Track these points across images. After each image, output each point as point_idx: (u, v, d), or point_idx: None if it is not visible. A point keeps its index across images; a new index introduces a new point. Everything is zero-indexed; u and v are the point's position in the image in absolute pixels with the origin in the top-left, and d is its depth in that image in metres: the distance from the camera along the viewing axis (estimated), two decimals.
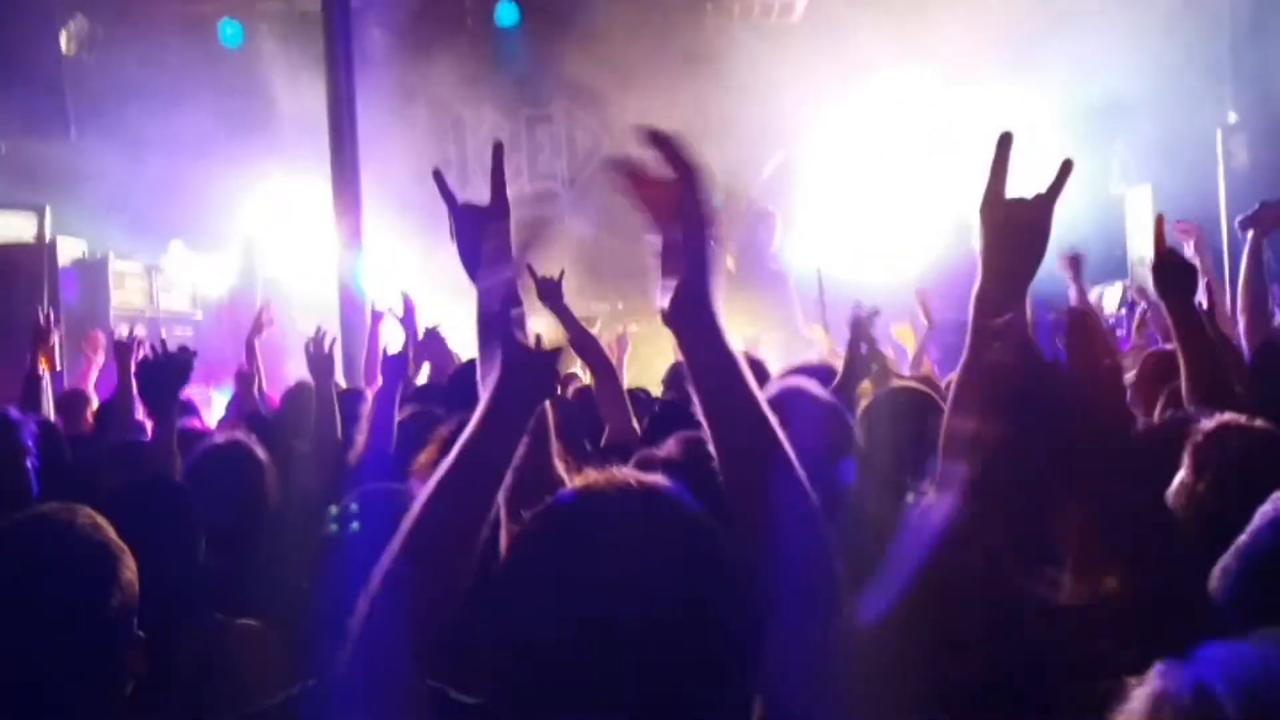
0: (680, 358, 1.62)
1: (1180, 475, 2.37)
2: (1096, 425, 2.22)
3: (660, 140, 1.62)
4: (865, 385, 4.44)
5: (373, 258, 9.33)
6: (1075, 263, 6.85)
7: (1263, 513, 1.90)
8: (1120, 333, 8.59)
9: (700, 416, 1.57)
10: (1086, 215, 12.01)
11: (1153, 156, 10.85)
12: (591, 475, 1.39)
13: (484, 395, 1.62)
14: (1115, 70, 11.00)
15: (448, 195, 2.03)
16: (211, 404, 8.29)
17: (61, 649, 1.87)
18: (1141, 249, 10.28)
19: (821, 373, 4.26)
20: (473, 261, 1.98)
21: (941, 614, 1.84)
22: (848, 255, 11.64)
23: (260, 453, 3.82)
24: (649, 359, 8.19)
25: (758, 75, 11.33)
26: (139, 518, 2.40)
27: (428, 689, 1.62)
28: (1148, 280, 4.32)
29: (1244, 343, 4.69)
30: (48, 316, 5.78)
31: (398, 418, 4.09)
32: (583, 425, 4.29)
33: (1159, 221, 3.56)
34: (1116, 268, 11.02)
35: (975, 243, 2.07)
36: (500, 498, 1.57)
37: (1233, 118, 9.16)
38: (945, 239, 10.89)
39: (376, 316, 7.13)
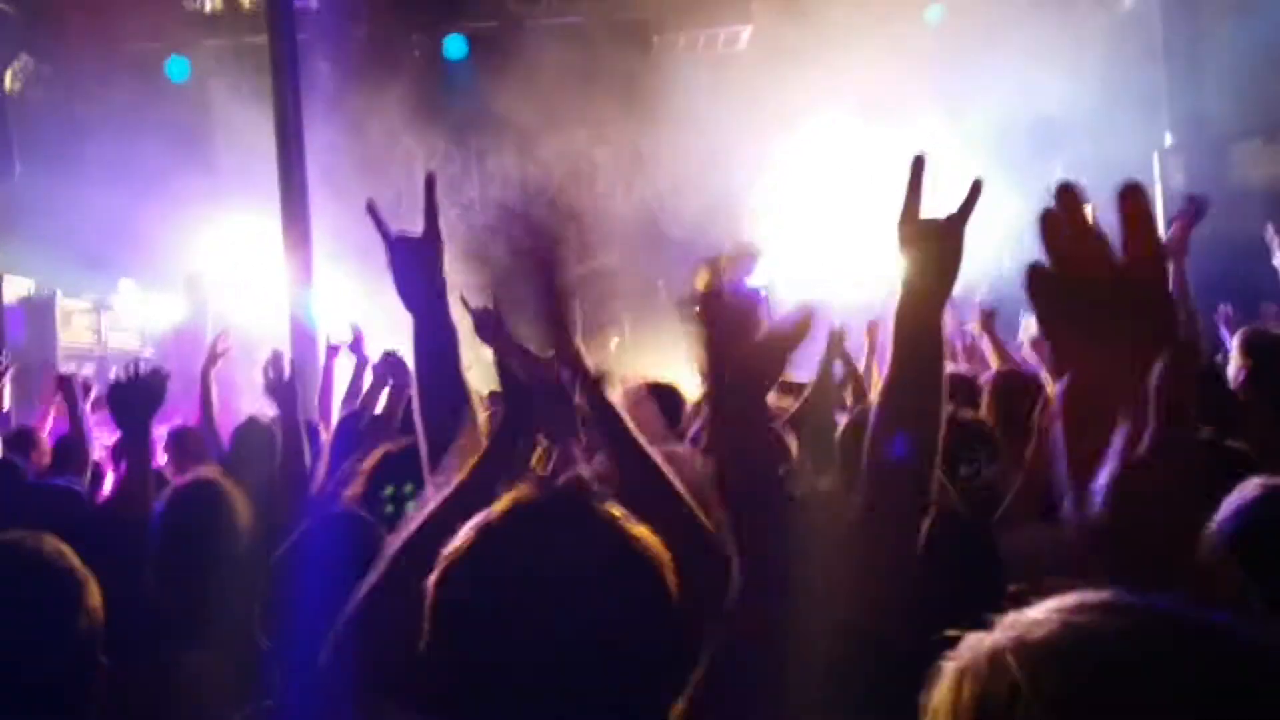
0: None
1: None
2: None
3: (534, 207, 1.70)
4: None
5: (323, 292, 9.32)
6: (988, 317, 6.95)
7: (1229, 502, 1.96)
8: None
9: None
10: (1028, 239, 12.25)
11: (1091, 179, 11.04)
12: (523, 487, 1.41)
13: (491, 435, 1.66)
14: (1053, 95, 11.23)
15: (382, 227, 2.07)
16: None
17: (29, 672, 1.88)
18: None
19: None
20: (408, 291, 2.02)
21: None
22: (807, 278, 11.74)
23: (232, 490, 3.81)
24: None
25: (703, 105, 11.45)
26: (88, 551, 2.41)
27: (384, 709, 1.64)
28: None
29: None
30: None
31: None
32: None
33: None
34: None
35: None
36: None
37: (1168, 140, 9.37)
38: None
39: (331, 351, 7.07)
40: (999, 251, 12.65)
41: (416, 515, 1.58)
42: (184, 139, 11.98)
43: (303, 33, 10.12)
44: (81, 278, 11.24)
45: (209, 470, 4.02)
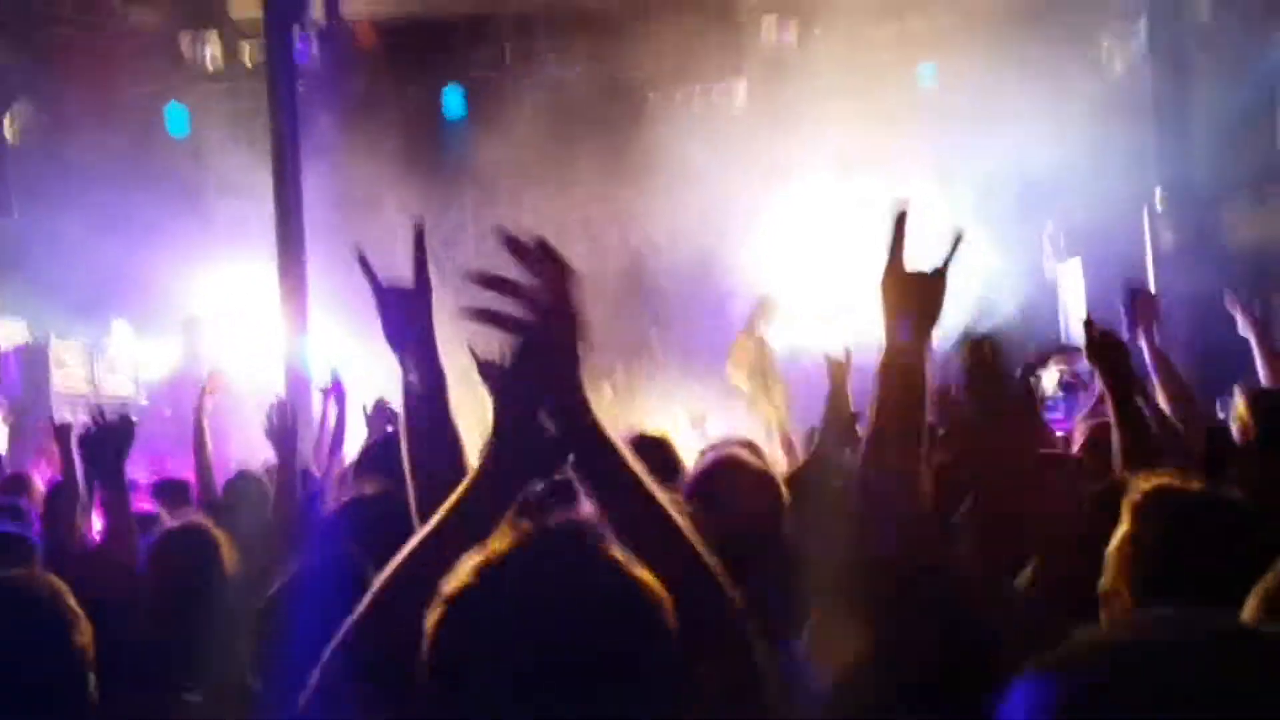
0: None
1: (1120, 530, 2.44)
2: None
3: (521, 248, 1.67)
4: None
5: (318, 341, 9.35)
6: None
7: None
8: (1058, 415, 8.74)
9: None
10: (1021, 297, 12.34)
11: (1082, 237, 11.16)
12: (522, 525, 1.41)
13: (479, 461, 1.67)
14: (1044, 155, 11.35)
15: (371, 276, 2.10)
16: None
17: (17, 708, 1.89)
18: (1075, 329, 10.53)
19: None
20: (397, 339, 2.05)
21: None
22: (807, 327, 11.77)
23: (219, 536, 3.81)
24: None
25: (697, 159, 11.55)
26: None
27: None
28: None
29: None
30: None
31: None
32: None
33: (1087, 323, 3.74)
34: (1053, 344, 11.25)
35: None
36: None
37: (1159, 197, 9.47)
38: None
39: (328, 397, 7.04)
40: (984, 308, 12.75)
41: (404, 546, 1.58)
42: (181, 186, 12.05)
43: (301, 84, 10.23)
44: (75, 321, 11.26)
45: (197, 516, 4.04)
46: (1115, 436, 3.49)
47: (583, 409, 1.64)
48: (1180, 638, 0.94)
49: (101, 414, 4.13)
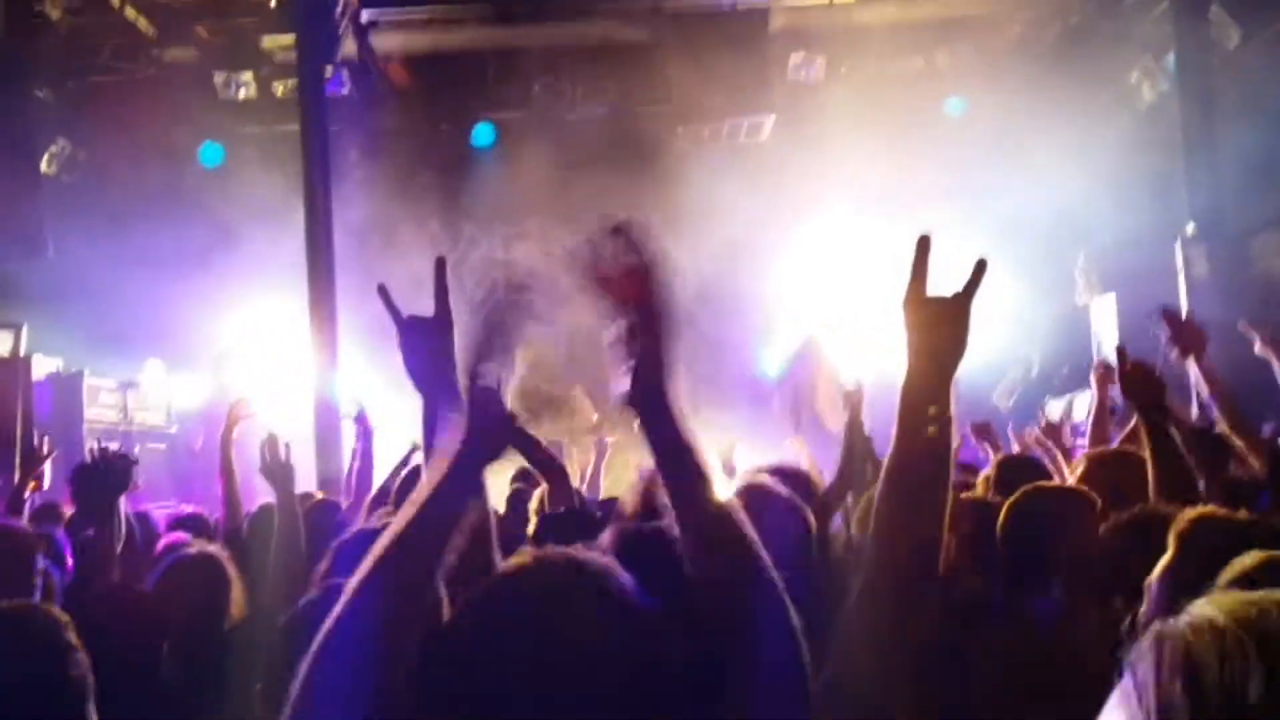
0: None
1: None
2: None
3: (620, 231, 1.73)
4: None
5: (349, 374, 9.40)
6: (985, 430, 7.08)
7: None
8: (1082, 441, 8.67)
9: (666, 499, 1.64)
10: (1053, 326, 12.29)
11: (1115, 268, 11.11)
12: (524, 554, 1.41)
13: (440, 458, 1.66)
14: (1075, 186, 11.32)
15: (393, 310, 2.12)
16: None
17: None
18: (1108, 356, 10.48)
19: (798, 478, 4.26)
20: (418, 372, 2.07)
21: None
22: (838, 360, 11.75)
23: (228, 567, 3.81)
24: (625, 469, 8.24)
25: (726, 193, 11.58)
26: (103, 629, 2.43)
27: None
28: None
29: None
30: (43, 439, 5.83)
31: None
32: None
33: (1120, 351, 3.79)
34: (1084, 377, 11.18)
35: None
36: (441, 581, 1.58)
37: (1190, 229, 9.41)
38: None
39: (366, 433, 6.95)
40: (1020, 341, 12.70)
41: (376, 546, 1.58)
42: (215, 223, 12.19)
43: (334, 121, 10.34)
44: (109, 357, 11.37)
45: (210, 547, 4.04)
46: (1150, 467, 3.50)
47: (665, 393, 1.65)
48: None
49: (104, 450, 4.10)
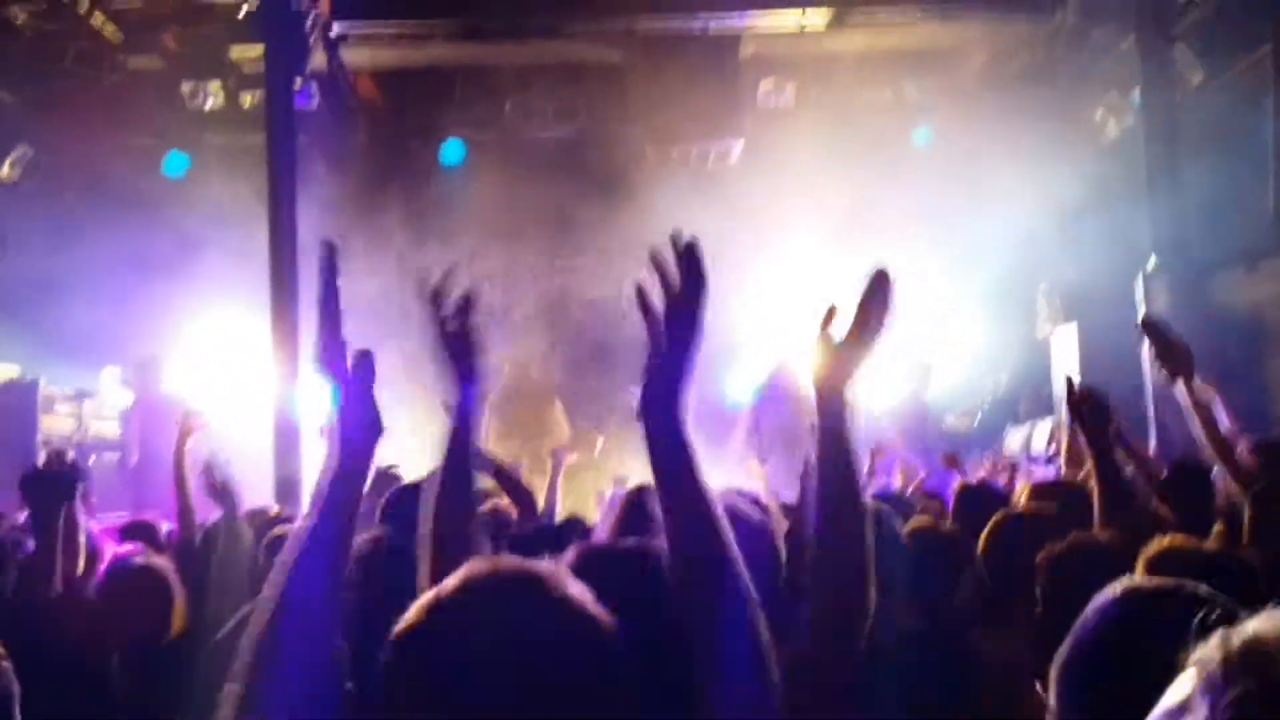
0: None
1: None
2: None
3: (689, 249, 1.88)
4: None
5: (311, 386, 9.32)
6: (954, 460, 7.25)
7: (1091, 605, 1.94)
8: (1049, 470, 8.75)
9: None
10: (1015, 355, 12.39)
11: (1077, 300, 11.21)
12: (476, 563, 1.40)
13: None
14: (1038, 218, 11.43)
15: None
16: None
17: None
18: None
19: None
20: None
21: None
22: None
23: (171, 579, 3.76)
24: (582, 491, 8.26)
25: (694, 216, 11.58)
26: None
27: None
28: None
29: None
30: None
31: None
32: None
33: (1069, 380, 3.85)
34: (1045, 405, 11.27)
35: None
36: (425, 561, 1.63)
37: (1152, 262, 9.52)
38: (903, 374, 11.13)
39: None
40: (983, 371, 12.77)
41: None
42: (178, 232, 12.07)
43: (301, 133, 10.28)
44: (66, 366, 11.23)
45: (155, 558, 3.98)
46: (1095, 495, 3.53)
47: (680, 408, 1.75)
48: None
49: (58, 458, 4.06)
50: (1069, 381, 3.85)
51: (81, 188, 11.95)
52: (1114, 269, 10.32)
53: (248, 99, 11.51)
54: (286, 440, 8.80)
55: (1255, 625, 0.96)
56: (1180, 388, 4.46)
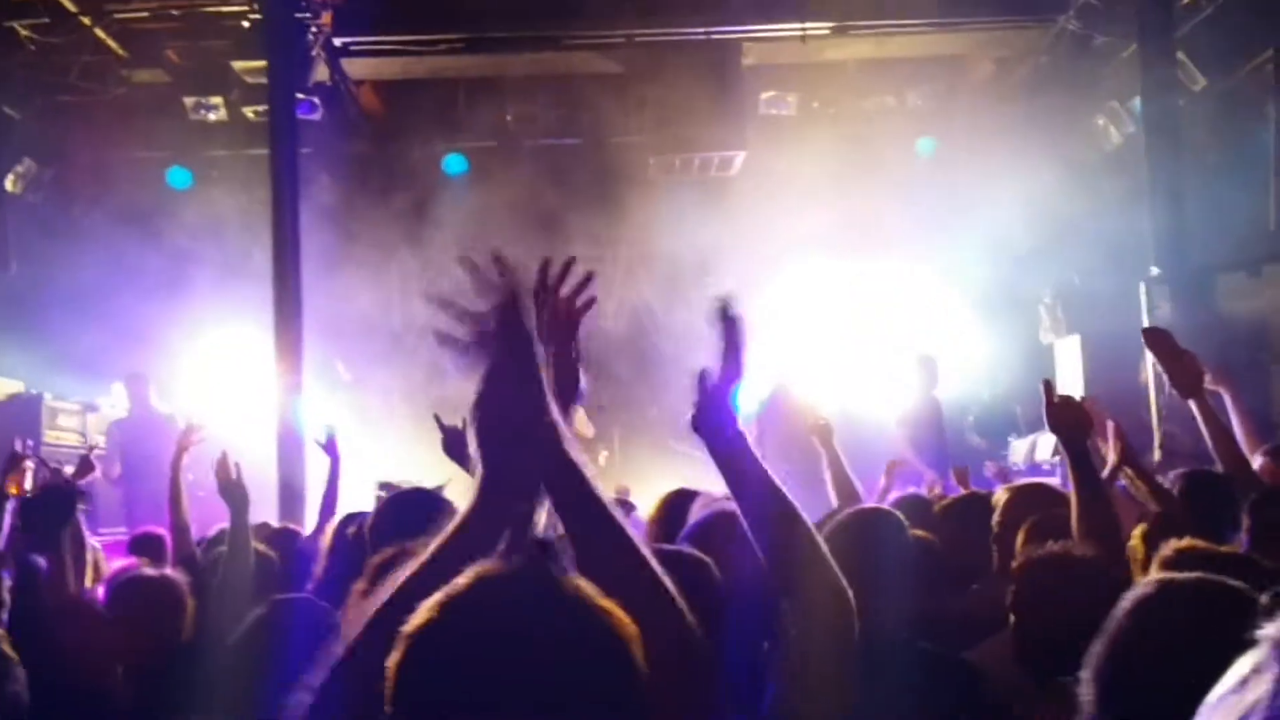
0: None
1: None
2: None
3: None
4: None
5: (313, 398, 9.33)
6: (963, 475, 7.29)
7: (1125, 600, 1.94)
8: (1054, 480, 8.72)
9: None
10: (1019, 365, 12.36)
11: (1081, 308, 11.20)
12: (487, 564, 1.39)
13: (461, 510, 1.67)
14: (1042, 226, 11.43)
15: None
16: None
17: None
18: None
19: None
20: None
21: None
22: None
23: (182, 590, 3.77)
24: None
25: (697, 226, 11.61)
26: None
27: None
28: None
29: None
30: (24, 444, 5.77)
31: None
32: None
33: (1045, 384, 3.83)
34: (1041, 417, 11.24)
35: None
36: None
37: (1155, 270, 9.51)
38: (912, 380, 11.09)
39: (334, 459, 6.85)
40: (985, 379, 12.76)
41: (384, 591, 1.57)
42: (182, 246, 12.10)
43: (304, 145, 10.30)
44: (73, 381, 11.26)
45: (166, 569, 3.99)
46: (1073, 503, 3.50)
47: (552, 437, 1.66)
48: None
49: (59, 478, 4.09)
50: (1045, 387, 3.78)
51: (86, 201, 11.98)
52: (1117, 276, 10.31)
53: (251, 112, 11.53)
54: (290, 453, 8.80)
55: None
56: (1194, 405, 4.47)
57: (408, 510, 4.03)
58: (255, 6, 10.49)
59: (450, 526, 1.65)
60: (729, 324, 2.18)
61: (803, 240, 12.23)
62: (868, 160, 12.34)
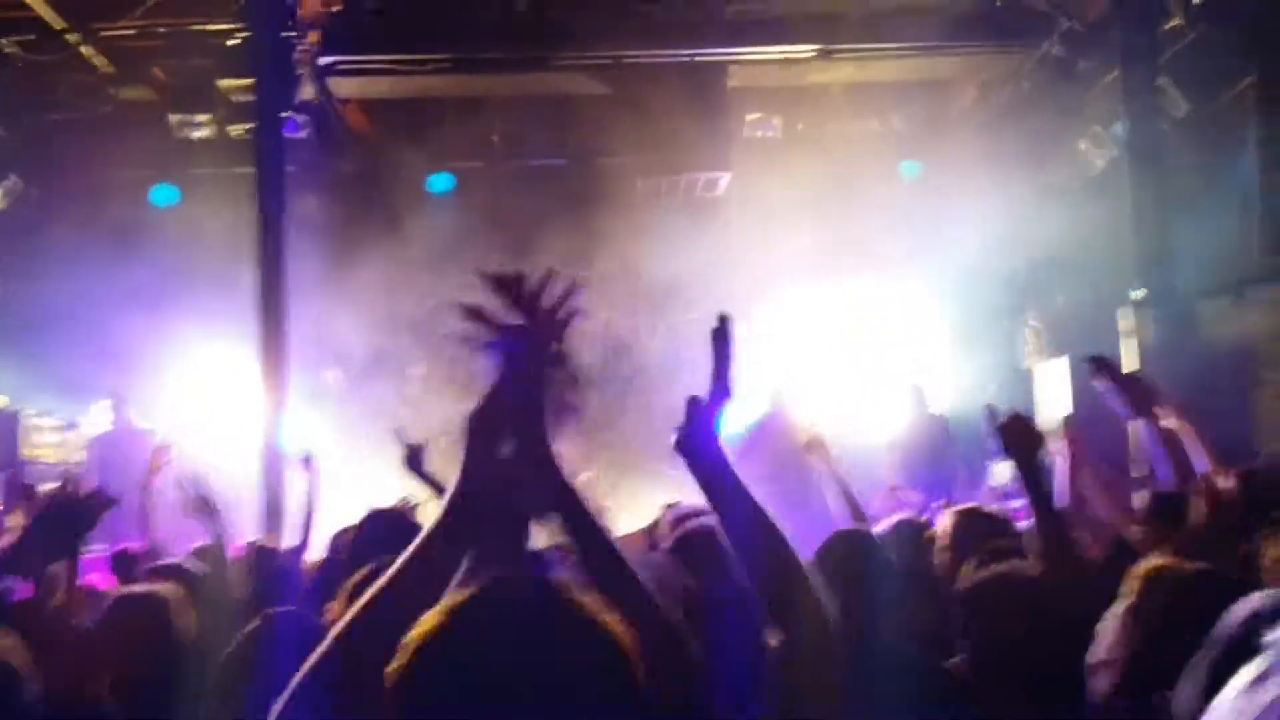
0: None
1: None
2: None
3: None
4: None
5: (297, 418, 9.30)
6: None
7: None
8: (1017, 503, 8.74)
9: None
10: (1001, 388, 12.41)
11: (1062, 331, 11.25)
12: (490, 574, 1.40)
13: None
14: (1026, 249, 11.49)
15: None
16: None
17: None
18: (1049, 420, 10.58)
19: None
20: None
21: None
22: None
23: (178, 605, 3.75)
24: None
25: (682, 247, 11.64)
26: None
27: None
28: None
29: None
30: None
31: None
32: None
33: (989, 406, 3.81)
34: None
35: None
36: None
37: (1138, 294, 9.56)
38: (905, 402, 11.11)
39: (312, 476, 6.83)
40: (967, 401, 12.79)
41: (362, 597, 1.58)
42: (167, 264, 12.06)
43: (290, 163, 10.29)
44: (55, 398, 11.20)
45: (163, 586, 3.96)
46: (1034, 520, 3.50)
47: (549, 461, 1.70)
48: None
49: (74, 486, 4.03)
50: (989, 410, 3.77)
51: (72, 219, 11.94)
52: (1100, 300, 10.36)
53: (237, 130, 11.52)
54: (273, 471, 8.76)
55: None
56: (1142, 423, 4.59)
57: (387, 527, 4.03)
58: (242, 25, 10.49)
59: (418, 540, 1.66)
60: (720, 344, 2.19)
61: (787, 262, 12.27)
62: (852, 183, 12.40)
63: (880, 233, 12.40)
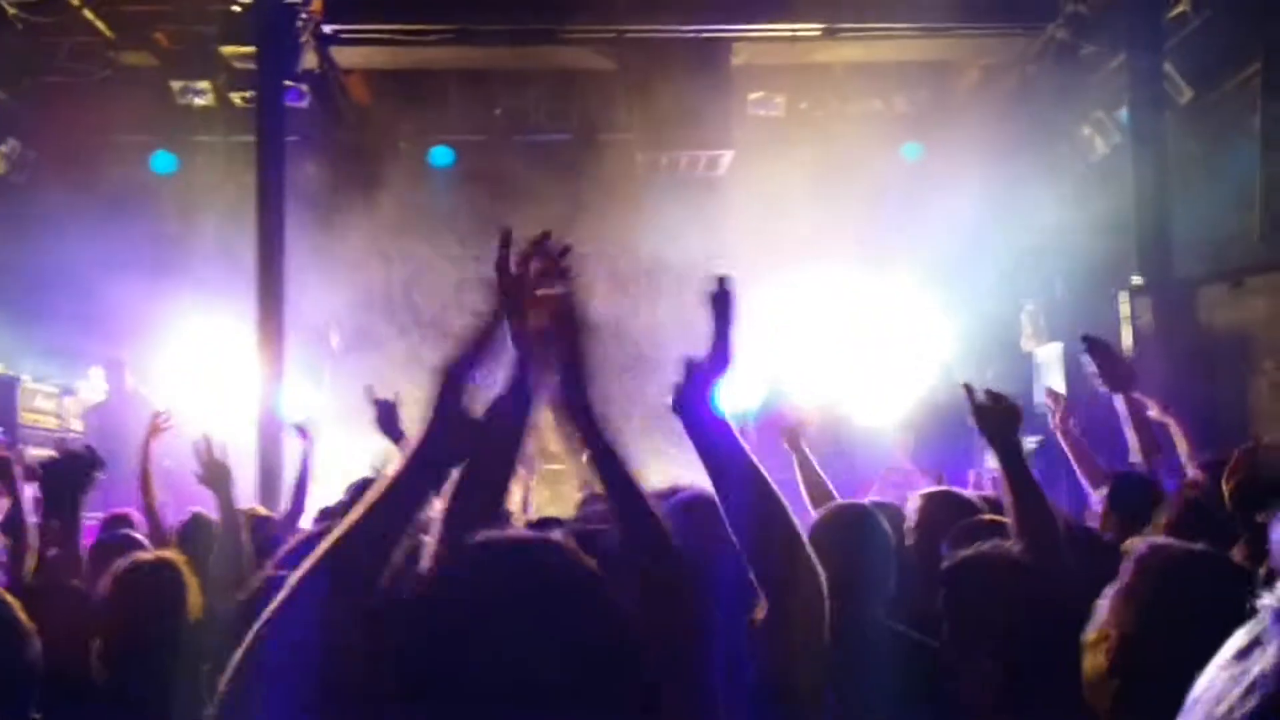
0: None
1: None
2: None
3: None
4: None
5: (295, 387, 9.31)
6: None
7: None
8: None
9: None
10: (999, 372, 12.42)
11: (1063, 316, 11.25)
12: (489, 532, 1.40)
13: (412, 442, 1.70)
14: (1026, 234, 11.47)
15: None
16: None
17: None
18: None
19: None
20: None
21: None
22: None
23: (186, 575, 3.76)
24: (566, 498, 8.26)
25: (683, 223, 11.62)
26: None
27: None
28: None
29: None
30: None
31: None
32: None
33: (967, 386, 3.81)
34: (1027, 423, 11.28)
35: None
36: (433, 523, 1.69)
37: (1137, 279, 9.56)
38: (928, 379, 11.11)
39: (308, 443, 6.86)
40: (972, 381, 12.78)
41: (339, 525, 1.59)
42: (166, 232, 12.04)
43: (291, 132, 10.27)
44: (51, 363, 11.19)
45: (166, 552, 3.96)
46: (1008, 503, 3.49)
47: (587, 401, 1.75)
48: None
49: (66, 447, 4.11)
50: (966, 389, 3.74)
51: (71, 183, 11.89)
52: (1100, 285, 10.36)
53: (238, 98, 11.47)
54: (270, 441, 8.78)
55: None
56: (1120, 401, 4.82)
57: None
58: None
59: (384, 481, 1.66)
60: (720, 309, 2.16)
61: (786, 241, 12.25)
62: (853, 163, 12.37)
63: (880, 214, 12.38)
